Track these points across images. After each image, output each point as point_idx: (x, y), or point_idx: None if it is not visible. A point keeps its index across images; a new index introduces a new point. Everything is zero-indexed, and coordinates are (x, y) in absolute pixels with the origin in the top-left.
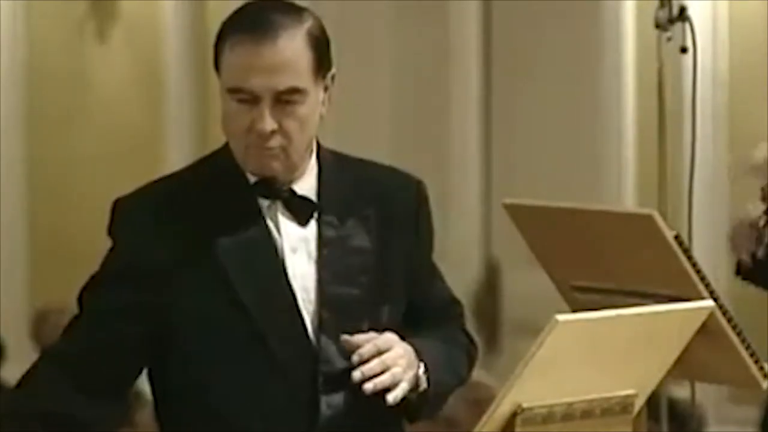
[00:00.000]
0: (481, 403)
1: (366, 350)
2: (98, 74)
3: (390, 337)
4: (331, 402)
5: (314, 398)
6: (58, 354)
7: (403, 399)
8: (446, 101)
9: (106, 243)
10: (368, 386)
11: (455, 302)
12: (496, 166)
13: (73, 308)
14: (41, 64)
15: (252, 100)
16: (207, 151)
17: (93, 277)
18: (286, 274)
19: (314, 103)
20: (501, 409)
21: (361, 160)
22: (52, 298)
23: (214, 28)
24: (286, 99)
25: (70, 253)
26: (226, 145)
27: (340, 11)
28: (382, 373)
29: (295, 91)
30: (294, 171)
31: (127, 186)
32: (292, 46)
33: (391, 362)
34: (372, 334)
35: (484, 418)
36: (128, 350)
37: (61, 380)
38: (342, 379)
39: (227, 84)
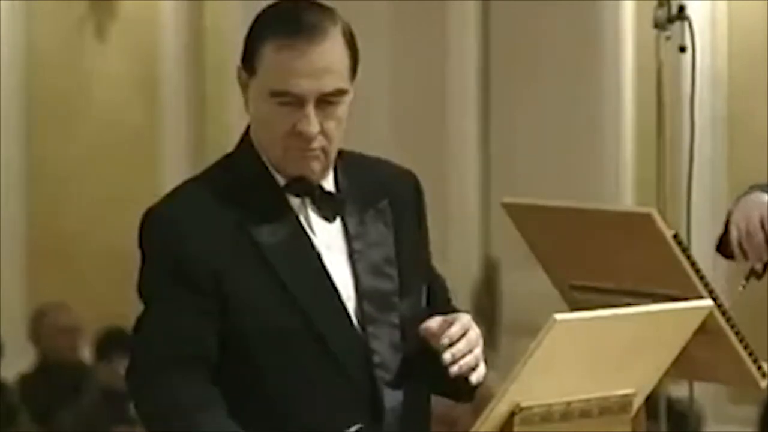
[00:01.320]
0: (481, 403)
1: (455, 331)
2: (97, 72)
3: (467, 317)
4: (392, 394)
5: (375, 391)
6: (178, 364)
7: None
8: (445, 101)
9: (104, 241)
10: (454, 369)
11: (445, 285)
12: (495, 165)
13: (72, 307)
14: (40, 62)
15: (296, 102)
16: (203, 149)
17: (151, 295)
18: (326, 270)
19: (347, 103)
20: (499, 409)
21: (362, 155)
22: (49, 295)
23: (213, 27)
24: (329, 100)
25: (67, 251)
26: (244, 147)
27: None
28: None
29: (339, 92)
30: (328, 170)
31: (125, 184)
32: (336, 48)
33: (474, 342)
34: (440, 318)
35: (482, 417)
36: (215, 355)
37: (205, 385)
38: (398, 370)
39: (273, 87)
